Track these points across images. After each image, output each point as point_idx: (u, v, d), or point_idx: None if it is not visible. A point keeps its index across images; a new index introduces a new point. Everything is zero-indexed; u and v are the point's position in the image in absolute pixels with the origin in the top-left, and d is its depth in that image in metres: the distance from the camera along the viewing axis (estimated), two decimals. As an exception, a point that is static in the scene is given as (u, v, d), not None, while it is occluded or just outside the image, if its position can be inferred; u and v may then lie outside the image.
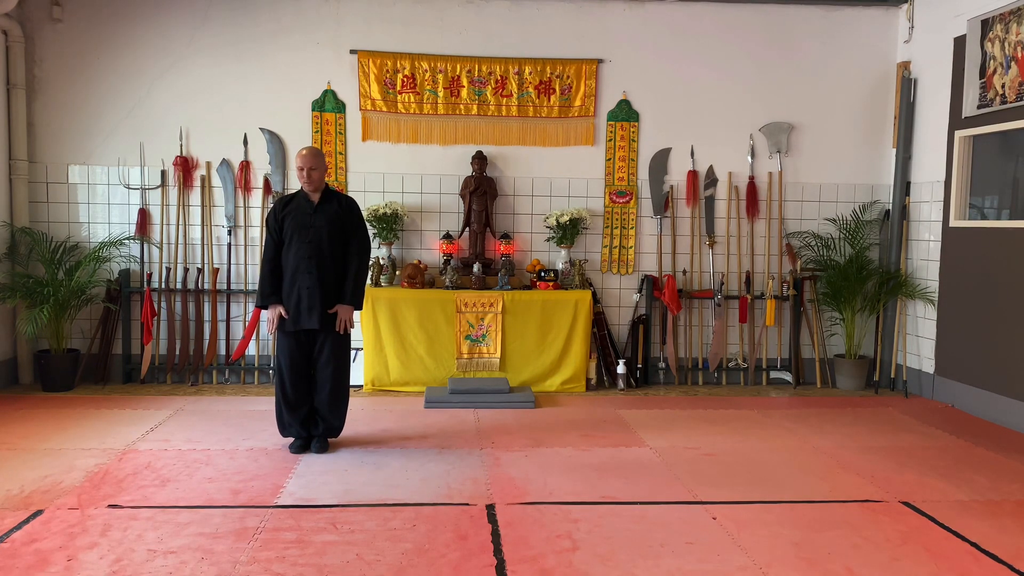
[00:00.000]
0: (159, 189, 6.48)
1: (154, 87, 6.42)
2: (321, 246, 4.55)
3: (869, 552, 3.38)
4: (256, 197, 6.54)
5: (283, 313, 4.54)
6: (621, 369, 6.48)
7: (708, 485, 4.17)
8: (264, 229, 4.75)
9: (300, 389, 4.64)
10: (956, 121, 6.05)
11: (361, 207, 6.43)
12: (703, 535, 3.53)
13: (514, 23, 6.57)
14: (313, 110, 6.52)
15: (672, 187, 6.78)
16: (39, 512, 3.65)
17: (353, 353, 6.41)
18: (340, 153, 6.55)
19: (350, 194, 6.49)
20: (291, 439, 4.70)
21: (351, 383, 6.32)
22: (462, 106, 6.57)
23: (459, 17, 6.55)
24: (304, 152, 4.57)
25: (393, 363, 6.19)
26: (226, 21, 6.42)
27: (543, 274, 6.39)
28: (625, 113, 6.70)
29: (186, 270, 6.48)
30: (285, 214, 4.61)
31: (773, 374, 6.86)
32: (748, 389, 6.66)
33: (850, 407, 6.02)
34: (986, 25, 5.73)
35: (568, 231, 6.47)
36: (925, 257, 6.44)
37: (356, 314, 5.30)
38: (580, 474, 4.32)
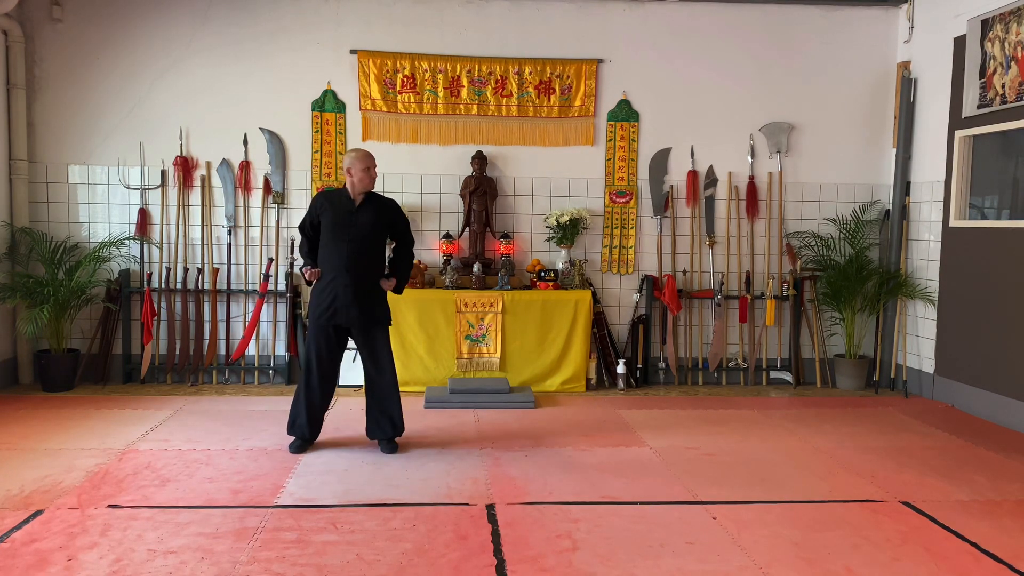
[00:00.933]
0: (159, 189, 6.48)
1: (154, 87, 6.42)
2: (362, 245, 4.57)
3: (869, 552, 3.38)
4: (256, 197, 6.54)
5: (316, 274, 4.60)
6: (621, 369, 6.48)
7: (708, 485, 4.17)
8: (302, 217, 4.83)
9: (324, 388, 4.66)
10: (956, 121, 6.05)
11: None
12: (703, 535, 3.53)
13: (514, 23, 6.57)
14: (313, 110, 6.52)
15: (672, 187, 6.78)
16: (39, 512, 3.65)
17: (352, 354, 6.43)
18: (340, 153, 6.55)
19: (350, 194, 6.53)
20: (292, 438, 4.70)
21: (352, 383, 6.36)
22: (462, 106, 6.57)
23: (459, 17, 6.55)
24: (362, 152, 4.59)
25: (393, 363, 6.18)
26: (226, 21, 6.42)
27: (543, 274, 6.39)
28: (625, 113, 6.70)
29: (186, 270, 6.48)
30: (323, 210, 4.63)
31: (773, 374, 6.86)
32: (748, 389, 6.66)
33: (850, 407, 6.02)
34: (986, 25, 5.73)
35: (568, 231, 6.47)
36: (925, 257, 6.44)
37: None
38: (580, 474, 4.32)
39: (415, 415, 5.53)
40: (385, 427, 4.68)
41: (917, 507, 3.91)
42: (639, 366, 6.64)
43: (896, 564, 3.28)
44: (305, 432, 4.67)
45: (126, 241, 6.33)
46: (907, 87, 6.59)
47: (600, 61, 6.64)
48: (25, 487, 3.97)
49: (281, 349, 6.55)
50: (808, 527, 3.63)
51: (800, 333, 6.80)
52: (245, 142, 6.50)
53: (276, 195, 6.50)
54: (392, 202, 4.77)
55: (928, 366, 6.36)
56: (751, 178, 6.80)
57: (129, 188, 6.46)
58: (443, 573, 3.13)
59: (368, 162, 4.58)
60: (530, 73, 6.57)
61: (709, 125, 6.75)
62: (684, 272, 6.81)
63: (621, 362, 6.50)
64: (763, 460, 4.63)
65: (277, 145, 6.50)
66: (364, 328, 4.61)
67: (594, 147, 6.71)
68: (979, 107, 5.80)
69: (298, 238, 6.48)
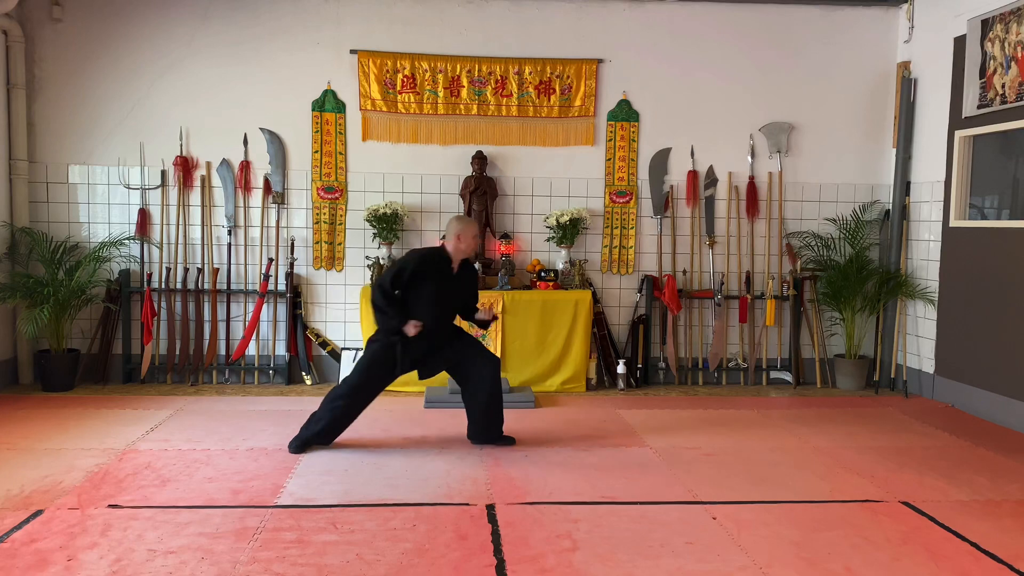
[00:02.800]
0: (159, 189, 6.48)
1: (154, 87, 6.41)
2: (452, 312, 4.80)
3: (869, 552, 3.38)
4: (256, 197, 6.54)
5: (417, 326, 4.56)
6: (621, 369, 6.48)
7: (708, 485, 4.17)
8: (381, 272, 4.94)
9: (363, 406, 4.78)
10: (956, 121, 6.05)
11: (361, 207, 6.52)
12: (703, 535, 3.53)
13: (514, 23, 6.57)
14: (313, 110, 6.52)
15: (672, 187, 6.78)
16: (39, 512, 3.65)
17: (353, 353, 6.44)
18: (340, 153, 6.55)
19: (350, 194, 6.54)
20: (298, 438, 4.67)
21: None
22: (462, 106, 6.57)
23: (459, 17, 6.55)
24: (472, 221, 4.81)
25: (393, 363, 6.18)
26: (226, 21, 6.42)
27: (543, 274, 6.39)
28: (625, 113, 6.70)
29: (186, 270, 6.48)
30: (425, 275, 4.60)
31: (773, 374, 6.86)
32: (748, 389, 6.66)
33: (850, 407, 6.02)
34: (986, 25, 5.73)
35: (568, 231, 6.46)
36: (925, 257, 6.44)
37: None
38: (580, 474, 4.32)
39: (415, 415, 5.54)
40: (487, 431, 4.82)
41: (917, 507, 3.91)
42: (639, 366, 6.63)
43: (896, 564, 3.28)
44: (325, 440, 4.70)
45: (126, 241, 6.33)
46: (907, 87, 6.59)
47: (600, 61, 6.64)
48: (25, 487, 3.97)
49: (281, 349, 6.55)
50: (808, 527, 3.63)
51: (800, 333, 6.80)
52: (245, 142, 6.50)
53: (276, 195, 6.50)
54: (475, 267, 5.00)
55: (928, 366, 6.35)
56: (751, 178, 6.80)
57: (129, 188, 6.45)
58: (443, 573, 3.13)
59: (476, 230, 4.78)
60: (530, 73, 6.57)
61: (709, 125, 6.75)
62: (684, 272, 6.80)
63: (621, 362, 6.50)
64: (763, 460, 4.63)
65: (277, 145, 6.50)
66: (461, 349, 4.78)
67: (594, 147, 6.71)
68: (979, 107, 5.80)
69: (297, 238, 6.54)
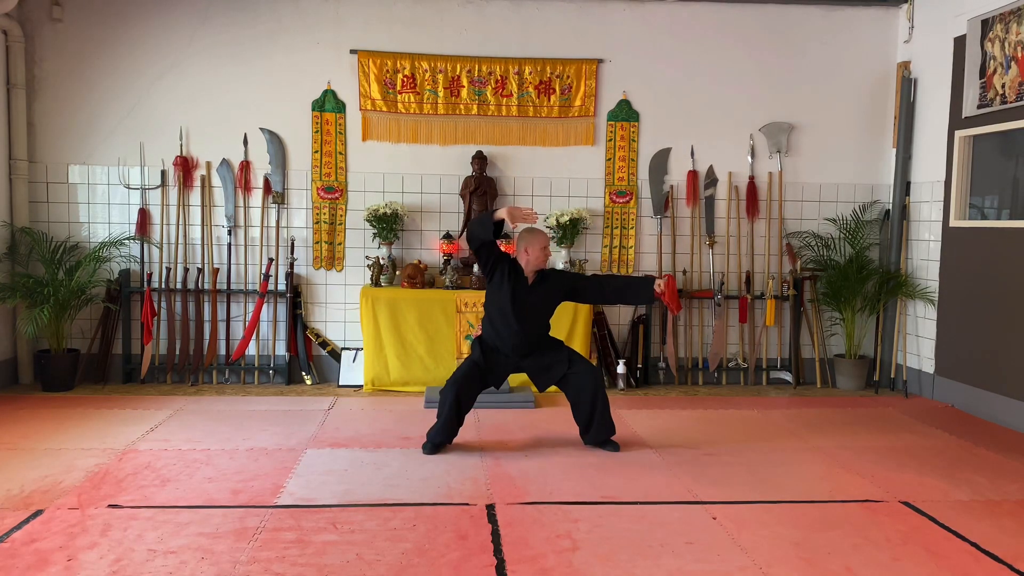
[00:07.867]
0: (159, 189, 6.48)
1: (154, 87, 6.41)
2: (533, 324, 4.76)
3: (869, 552, 3.38)
4: (256, 197, 6.54)
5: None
6: (621, 369, 6.48)
7: (708, 485, 4.17)
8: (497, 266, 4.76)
9: (465, 406, 4.75)
10: (956, 121, 6.05)
11: (361, 207, 6.51)
12: (703, 535, 3.53)
13: (514, 23, 6.57)
14: (313, 110, 6.52)
15: (672, 187, 6.78)
16: (39, 512, 3.65)
17: (353, 353, 6.44)
18: (340, 153, 6.55)
19: (350, 194, 6.54)
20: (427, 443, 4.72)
21: (351, 383, 6.36)
22: (462, 106, 6.57)
23: (459, 17, 6.55)
24: (537, 232, 4.80)
25: (393, 363, 6.19)
26: (226, 21, 6.42)
27: (543, 274, 6.38)
28: (625, 113, 6.70)
29: (186, 270, 6.48)
30: (512, 277, 4.69)
31: (773, 374, 6.85)
32: (748, 389, 6.66)
33: (850, 407, 6.02)
34: (986, 25, 5.73)
35: (568, 231, 6.46)
36: (925, 257, 6.44)
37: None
38: (580, 474, 4.32)
39: (415, 415, 5.54)
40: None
41: (917, 507, 3.90)
42: (639, 366, 6.63)
43: (896, 564, 3.28)
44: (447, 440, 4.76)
45: (126, 241, 6.32)
46: (907, 87, 6.59)
47: (600, 61, 6.64)
48: (25, 487, 3.97)
49: (281, 349, 6.55)
50: (808, 527, 3.63)
51: (800, 333, 6.80)
52: (245, 142, 6.50)
53: (276, 195, 6.50)
54: (555, 273, 4.94)
55: (928, 366, 6.35)
56: (751, 178, 6.80)
57: (129, 188, 6.45)
58: (443, 573, 3.13)
59: (545, 241, 4.77)
60: (530, 73, 6.57)
61: (709, 125, 6.74)
62: (684, 272, 6.80)
63: (621, 362, 6.50)
64: (763, 460, 4.63)
65: (277, 145, 6.50)
66: (543, 372, 4.82)
67: (594, 147, 6.71)
68: (979, 107, 5.80)
69: (298, 238, 6.55)
